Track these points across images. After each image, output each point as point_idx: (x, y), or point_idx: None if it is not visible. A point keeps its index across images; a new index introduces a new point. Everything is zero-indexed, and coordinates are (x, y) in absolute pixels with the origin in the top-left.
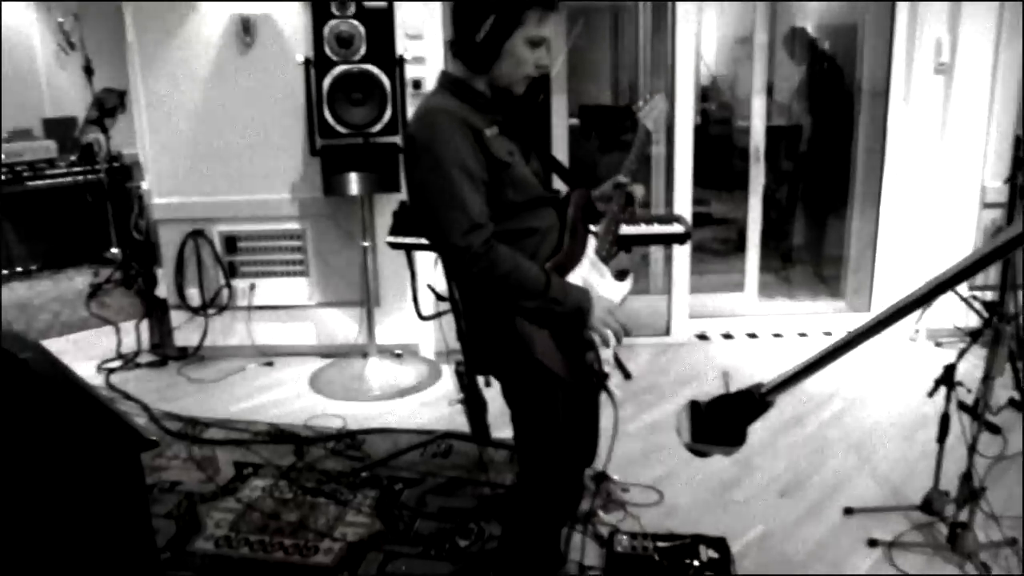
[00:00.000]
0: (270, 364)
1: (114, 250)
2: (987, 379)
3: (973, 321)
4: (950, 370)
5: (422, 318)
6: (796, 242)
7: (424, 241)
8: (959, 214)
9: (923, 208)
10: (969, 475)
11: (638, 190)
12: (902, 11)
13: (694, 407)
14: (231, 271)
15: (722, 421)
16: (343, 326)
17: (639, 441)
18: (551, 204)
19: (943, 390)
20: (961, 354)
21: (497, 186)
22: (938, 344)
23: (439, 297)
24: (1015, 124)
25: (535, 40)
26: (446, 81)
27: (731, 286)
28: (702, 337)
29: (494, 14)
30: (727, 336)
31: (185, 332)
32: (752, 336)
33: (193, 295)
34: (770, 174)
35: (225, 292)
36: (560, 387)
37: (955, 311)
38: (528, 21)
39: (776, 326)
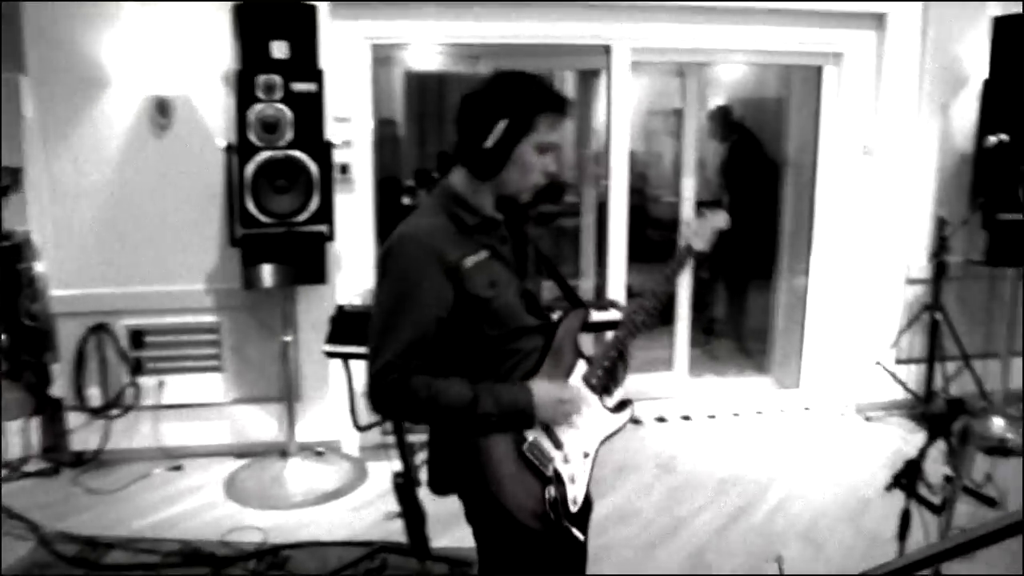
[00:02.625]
0: (179, 468)
1: (2, 337)
2: (954, 480)
3: (898, 394)
4: (913, 466)
5: (359, 428)
6: (717, 314)
7: (363, 350)
8: (884, 289)
9: (849, 282)
10: None
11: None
12: (829, 91)
13: None
14: (138, 368)
15: None
16: (260, 423)
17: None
18: (537, 329)
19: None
20: (924, 450)
21: (473, 321)
22: (868, 419)
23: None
24: (934, 204)
25: (545, 146)
26: (443, 197)
27: (659, 363)
28: (635, 422)
29: (506, 119)
30: (660, 419)
31: (83, 435)
32: (686, 418)
33: (94, 394)
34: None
35: (130, 391)
36: (527, 537)
37: (883, 386)
38: (540, 126)
39: (708, 406)
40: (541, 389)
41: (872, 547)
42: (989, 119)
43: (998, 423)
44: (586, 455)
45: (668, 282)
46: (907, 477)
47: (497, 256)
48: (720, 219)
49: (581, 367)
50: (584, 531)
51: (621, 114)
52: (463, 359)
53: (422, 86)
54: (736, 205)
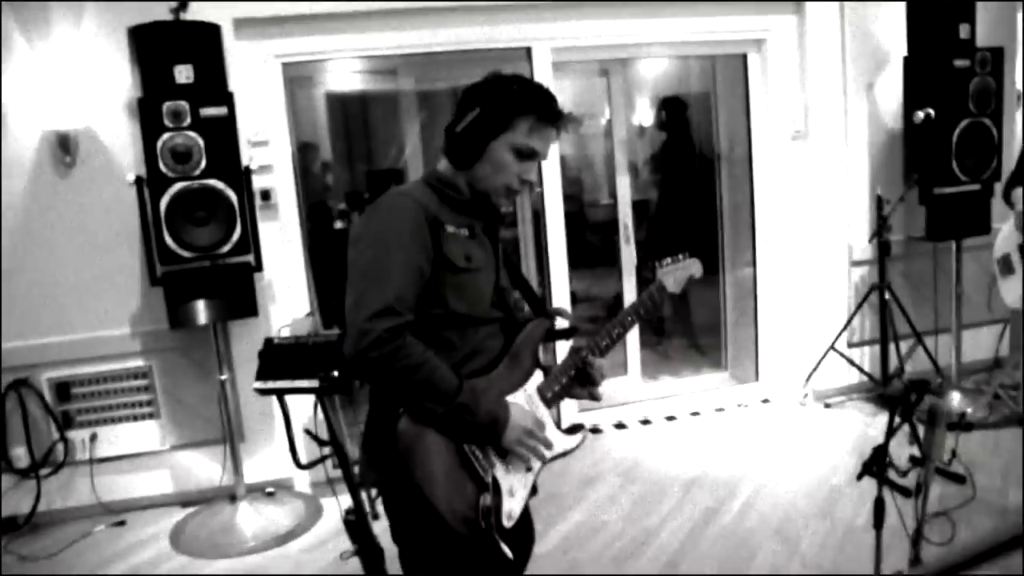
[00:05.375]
0: (122, 523)
1: None
2: (926, 462)
3: (854, 378)
4: (880, 451)
5: (300, 467)
6: (666, 313)
7: (298, 384)
8: (830, 274)
9: (795, 270)
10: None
11: (598, 367)
12: (755, 79)
13: None
14: (66, 422)
15: None
16: (204, 468)
17: (552, 562)
18: (500, 326)
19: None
20: (891, 432)
21: (440, 288)
22: (827, 405)
23: (320, 443)
24: (870, 184)
25: (522, 150)
26: (429, 176)
27: (612, 368)
28: (595, 431)
29: (479, 108)
30: (620, 426)
31: (12, 499)
32: (645, 422)
33: (20, 455)
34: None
35: (60, 447)
36: (450, 537)
37: (839, 370)
38: (517, 127)
39: (667, 408)
40: (518, 415)
41: (847, 538)
42: (913, 95)
43: (956, 398)
44: (528, 470)
45: (638, 315)
46: (876, 464)
47: (476, 239)
48: (696, 267)
49: (538, 377)
50: (520, 562)
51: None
52: (424, 333)
53: (344, 108)
54: (669, 201)
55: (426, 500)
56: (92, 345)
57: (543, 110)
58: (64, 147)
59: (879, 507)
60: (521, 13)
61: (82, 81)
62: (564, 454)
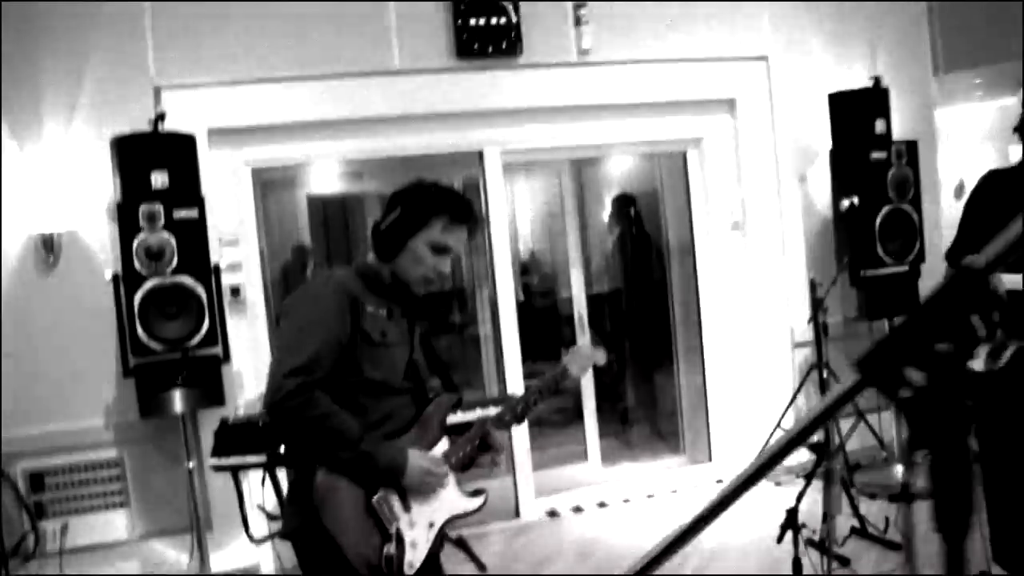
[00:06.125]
0: None
1: None
2: (827, 518)
3: (804, 456)
4: (792, 514)
5: (253, 541)
6: (630, 403)
7: (251, 460)
8: (774, 356)
9: (741, 354)
10: None
11: (498, 439)
12: (694, 175)
13: None
14: (38, 512)
15: None
16: (173, 557)
17: None
18: (412, 396)
19: (790, 533)
20: (799, 497)
21: (357, 358)
22: (777, 484)
23: (271, 517)
24: (807, 269)
25: (437, 246)
26: (357, 262)
27: (574, 456)
28: (552, 514)
29: (400, 209)
30: (577, 509)
31: None
32: (602, 505)
33: None
34: (597, 338)
35: (31, 538)
36: None
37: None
38: (433, 226)
39: (624, 491)
40: (415, 456)
41: None
42: (840, 185)
43: (899, 470)
44: (431, 525)
45: (540, 394)
46: (790, 525)
47: (393, 319)
48: (600, 356)
49: (444, 444)
50: None
51: (499, 218)
52: (340, 394)
53: (325, 209)
54: (633, 293)
55: (337, 546)
56: (66, 436)
57: (456, 212)
58: (48, 247)
59: (796, 566)
60: (472, 120)
61: (68, 185)
62: (465, 515)
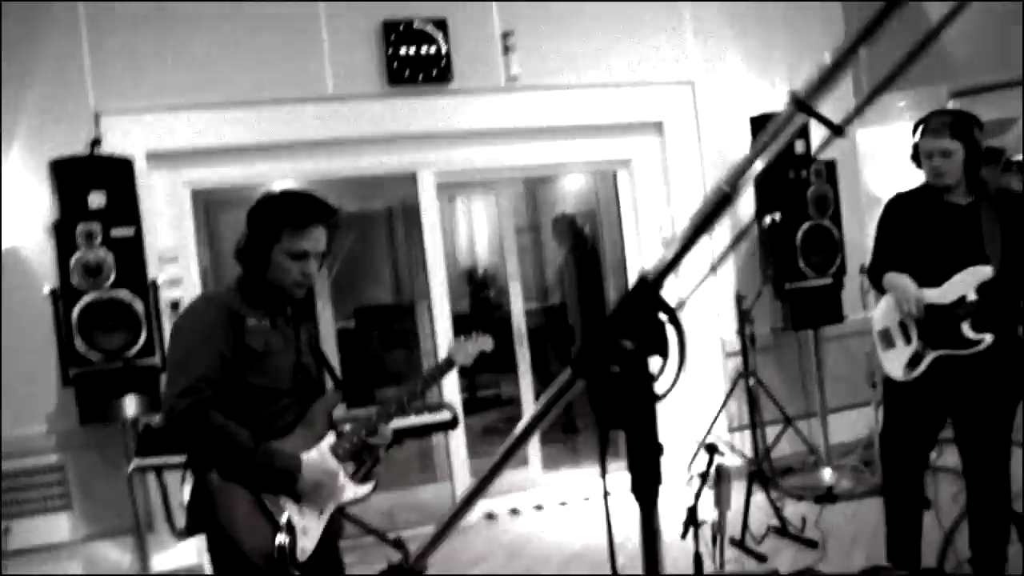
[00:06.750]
0: None
1: None
2: (721, 515)
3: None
4: (692, 511)
5: (179, 536)
6: (578, 411)
7: (172, 460)
8: (706, 366)
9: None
10: None
11: (382, 434)
12: (625, 200)
13: None
14: None
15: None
16: (115, 557)
17: None
18: (299, 397)
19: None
20: (697, 495)
21: (242, 368)
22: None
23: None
24: (736, 282)
25: (294, 253)
26: (236, 278)
27: (516, 462)
28: (489, 516)
29: (252, 226)
30: (514, 511)
31: None
32: (538, 508)
33: None
34: (551, 350)
35: None
36: (253, 572)
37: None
38: (283, 237)
39: (561, 494)
40: (309, 465)
41: None
42: (763, 202)
43: (827, 473)
44: (321, 513)
45: (424, 384)
46: (691, 523)
47: (276, 328)
48: (487, 343)
49: (331, 438)
50: None
51: (433, 236)
52: (230, 403)
53: None
54: (576, 308)
55: (232, 540)
56: (9, 443)
57: (298, 218)
58: None
59: (697, 561)
60: (406, 144)
61: (9, 204)
62: (357, 501)
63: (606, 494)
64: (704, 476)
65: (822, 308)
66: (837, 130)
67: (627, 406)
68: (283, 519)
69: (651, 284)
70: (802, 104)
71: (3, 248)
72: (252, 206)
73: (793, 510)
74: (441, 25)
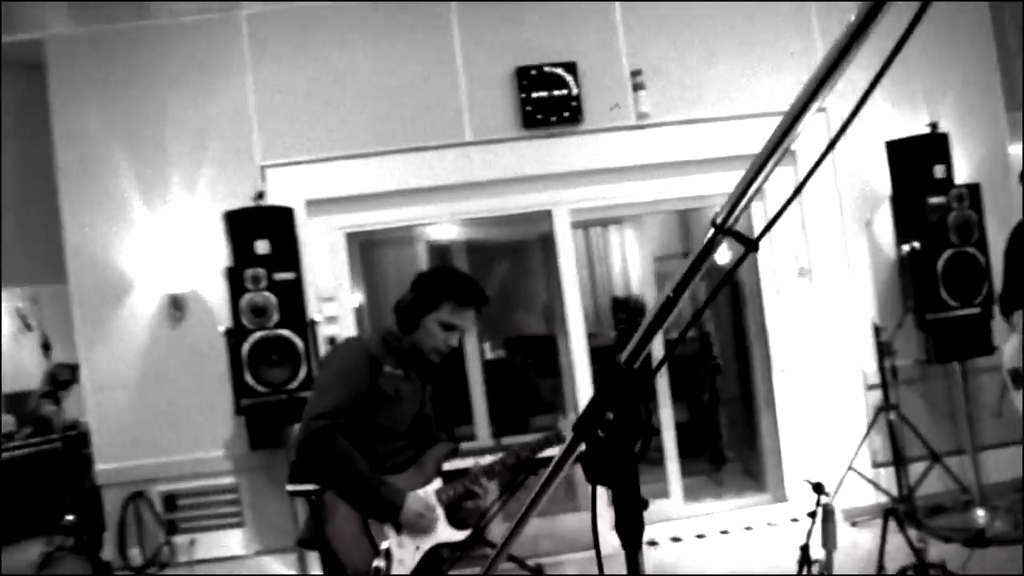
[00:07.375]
0: None
1: (69, 517)
2: (828, 555)
3: (883, 498)
4: (804, 550)
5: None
6: (726, 441)
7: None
8: (847, 398)
9: (815, 397)
10: None
11: (484, 485)
12: (757, 222)
13: None
14: (172, 528)
15: None
16: (282, 572)
17: None
18: (415, 442)
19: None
20: (809, 533)
21: (372, 407)
22: (853, 524)
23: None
24: (876, 313)
25: (447, 324)
26: (385, 329)
27: (656, 493)
28: None
29: (416, 292)
30: (652, 543)
31: None
32: (676, 540)
33: (135, 555)
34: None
35: (165, 549)
36: None
37: (865, 491)
38: (443, 308)
39: (699, 527)
40: (412, 500)
41: None
42: (902, 230)
43: (980, 514)
44: (417, 548)
45: (532, 451)
46: (804, 562)
47: (409, 379)
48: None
49: (437, 483)
50: None
51: (568, 268)
52: (356, 435)
53: (442, 256)
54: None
55: (334, 554)
56: (194, 464)
57: (462, 297)
58: (176, 305)
59: None
60: (539, 183)
61: (191, 252)
62: (451, 544)
63: (597, 544)
64: (812, 515)
65: (969, 339)
66: (751, 245)
67: (611, 464)
68: (383, 545)
69: (623, 367)
70: (721, 228)
71: (187, 291)
72: (422, 272)
73: (937, 551)
74: (571, 68)
